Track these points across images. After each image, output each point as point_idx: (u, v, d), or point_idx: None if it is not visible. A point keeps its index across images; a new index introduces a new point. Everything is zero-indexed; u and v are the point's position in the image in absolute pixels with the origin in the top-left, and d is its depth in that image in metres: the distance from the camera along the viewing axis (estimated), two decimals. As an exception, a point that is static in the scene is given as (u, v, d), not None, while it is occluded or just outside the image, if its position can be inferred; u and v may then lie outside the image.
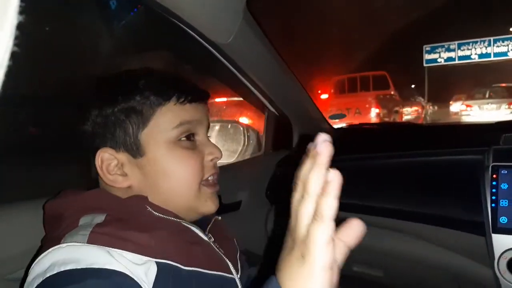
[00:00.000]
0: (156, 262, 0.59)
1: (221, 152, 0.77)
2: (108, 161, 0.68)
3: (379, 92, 10.84)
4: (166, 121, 0.69)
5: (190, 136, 0.72)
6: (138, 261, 0.57)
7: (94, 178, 0.72)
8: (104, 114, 0.68)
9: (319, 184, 0.45)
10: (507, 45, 15.26)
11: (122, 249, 0.57)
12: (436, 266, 1.23)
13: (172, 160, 0.70)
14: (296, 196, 0.49)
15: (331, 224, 0.44)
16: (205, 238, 0.72)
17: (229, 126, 1.56)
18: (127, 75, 0.74)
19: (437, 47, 16.17)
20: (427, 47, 16.27)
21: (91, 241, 0.56)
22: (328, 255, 0.44)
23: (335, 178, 0.46)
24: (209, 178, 0.75)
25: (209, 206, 0.74)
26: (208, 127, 0.79)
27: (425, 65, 16.50)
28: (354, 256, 1.47)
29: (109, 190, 0.70)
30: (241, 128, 1.51)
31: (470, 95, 13.19)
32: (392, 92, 11.34)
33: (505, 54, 15.32)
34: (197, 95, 0.74)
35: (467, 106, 12.53)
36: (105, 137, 0.69)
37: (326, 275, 0.45)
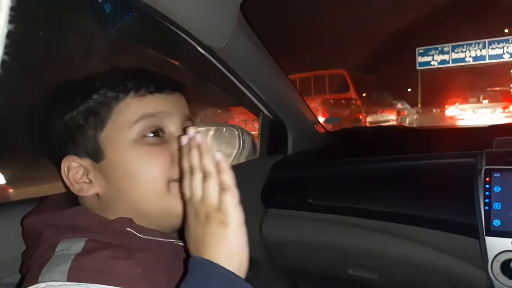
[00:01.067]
0: None
1: None
2: (74, 170, 0.64)
3: (338, 95, 9.28)
4: (125, 118, 0.63)
5: (158, 132, 0.65)
6: None
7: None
8: (64, 121, 0.64)
9: (213, 164, 0.58)
10: (503, 47, 14.82)
11: (106, 284, 0.53)
12: (430, 269, 1.24)
13: (134, 159, 0.63)
14: (196, 179, 0.57)
15: (235, 190, 0.59)
16: None
17: (224, 130, 1.56)
18: (88, 77, 0.68)
19: (430, 50, 15.72)
20: (420, 50, 15.83)
21: (72, 278, 0.52)
22: (241, 213, 0.58)
23: (221, 156, 0.59)
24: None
25: (172, 207, 0.65)
26: (186, 120, 0.70)
27: (418, 68, 16.03)
28: (349, 259, 1.49)
29: (80, 201, 0.66)
30: (236, 132, 1.51)
31: (464, 99, 12.96)
32: (352, 96, 9.85)
33: (500, 56, 14.91)
34: (160, 85, 0.67)
35: (462, 110, 12.38)
36: (67, 145, 0.64)
37: (244, 229, 0.57)
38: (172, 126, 0.67)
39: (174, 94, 0.69)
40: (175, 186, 0.65)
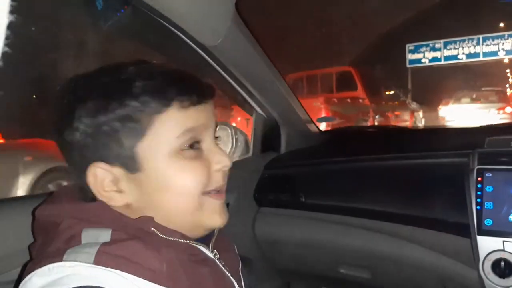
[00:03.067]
0: None
1: (230, 160, 0.68)
2: (102, 177, 0.59)
3: (346, 93, 8.73)
4: (166, 131, 0.60)
5: (194, 144, 0.63)
6: None
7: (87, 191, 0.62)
8: (96, 123, 0.58)
9: None
10: (498, 44, 13.67)
11: (133, 274, 0.52)
12: (422, 268, 1.24)
13: (173, 173, 0.61)
14: None
15: None
16: (211, 255, 0.67)
17: (217, 128, 1.55)
18: (121, 73, 0.61)
19: (421, 46, 14.69)
20: (410, 46, 14.75)
21: (98, 261, 0.51)
22: None
23: None
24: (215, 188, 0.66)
25: (215, 220, 0.66)
26: (215, 130, 0.69)
27: (408, 65, 14.95)
28: (342, 258, 1.49)
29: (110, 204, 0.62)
30: (229, 130, 1.51)
31: (456, 99, 12.15)
32: (360, 95, 9.28)
33: (495, 53, 13.77)
34: (202, 95, 0.63)
35: (453, 111, 11.60)
36: (97, 149, 0.59)
37: None
38: (208, 139, 0.66)
39: (209, 103, 0.66)
40: (207, 200, 0.65)
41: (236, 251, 0.81)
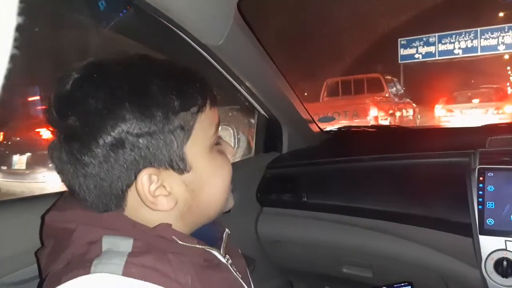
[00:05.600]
0: None
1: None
2: (151, 183, 0.58)
3: (374, 94, 10.51)
4: (205, 129, 0.62)
5: (218, 140, 0.68)
6: None
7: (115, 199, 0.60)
8: (145, 132, 0.56)
9: None
10: (497, 37, 12.43)
11: (163, 286, 0.51)
12: (424, 267, 1.25)
13: (214, 169, 0.65)
14: None
15: None
16: (224, 260, 0.67)
17: (219, 129, 1.56)
18: (154, 76, 0.58)
19: (414, 40, 13.46)
20: (402, 41, 13.54)
21: (128, 273, 0.50)
22: None
23: None
24: None
25: (230, 203, 0.72)
26: None
27: (400, 61, 13.77)
28: (344, 257, 1.49)
29: (138, 212, 0.60)
30: (232, 130, 1.52)
31: (451, 97, 11.22)
32: (386, 95, 10.83)
33: (494, 48, 12.53)
34: (216, 97, 0.67)
35: (448, 111, 10.67)
36: (146, 157, 0.57)
37: None
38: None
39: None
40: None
41: (241, 254, 0.81)
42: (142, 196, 0.58)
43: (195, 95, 0.61)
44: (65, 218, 0.59)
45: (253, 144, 1.61)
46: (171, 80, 0.59)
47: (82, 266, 0.51)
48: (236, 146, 1.50)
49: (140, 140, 0.56)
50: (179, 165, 0.60)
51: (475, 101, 10.52)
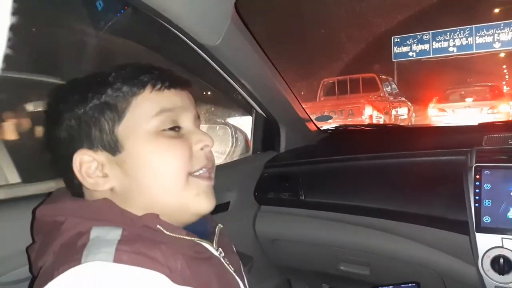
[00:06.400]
0: None
1: (211, 139, 0.70)
2: (88, 164, 0.62)
3: (370, 93, 10.62)
4: (144, 111, 0.64)
5: (174, 128, 0.66)
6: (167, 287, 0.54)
7: (76, 184, 0.65)
8: (77, 115, 0.62)
9: None
10: (492, 35, 12.18)
11: (154, 270, 0.53)
12: (421, 264, 1.25)
13: (154, 151, 0.63)
14: None
15: None
16: (216, 253, 0.68)
17: (217, 128, 1.57)
18: (97, 73, 0.67)
19: (407, 38, 13.28)
20: (396, 39, 13.39)
21: (119, 260, 0.51)
22: None
23: None
24: (201, 170, 0.68)
25: (202, 202, 0.67)
26: (197, 117, 0.72)
27: (393, 60, 13.59)
28: (341, 255, 1.50)
29: (92, 196, 0.64)
30: (229, 130, 1.52)
31: (443, 97, 10.68)
32: (381, 94, 10.94)
33: (489, 45, 12.30)
34: (176, 81, 0.68)
35: (440, 110, 10.20)
36: (81, 139, 0.63)
37: None
38: (188, 121, 0.68)
39: (186, 91, 0.70)
40: (193, 180, 0.66)
41: (235, 251, 0.81)
42: (79, 177, 0.62)
43: (130, 79, 0.64)
44: (55, 211, 0.62)
45: (250, 143, 1.62)
46: (109, 74, 0.65)
47: (72, 257, 0.52)
48: (233, 145, 1.50)
49: (73, 129, 0.63)
50: (111, 146, 0.63)
51: (469, 100, 10.06)
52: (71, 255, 0.52)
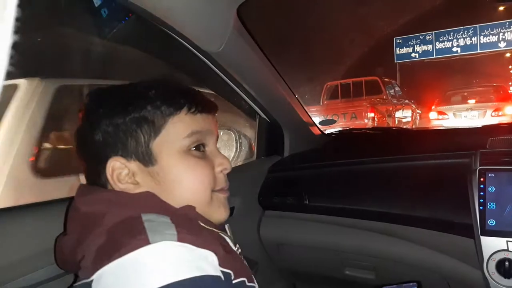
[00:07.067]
0: (222, 271, 0.59)
1: (230, 163, 0.78)
2: (119, 170, 0.67)
3: (373, 96, 10.64)
4: (177, 131, 0.69)
5: (200, 147, 0.73)
6: (217, 268, 0.58)
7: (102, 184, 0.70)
8: (115, 124, 0.67)
9: None
10: (497, 34, 11.79)
11: (209, 250, 0.58)
12: (426, 268, 1.25)
13: (183, 168, 0.70)
14: None
15: None
16: (235, 248, 0.75)
17: (221, 133, 1.57)
18: (137, 85, 0.73)
19: (410, 39, 12.97)
20: (398, 40, 13.12)
21: (182, 239, 0.56)
22: None
23: None
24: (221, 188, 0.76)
25: (221, 212, 0.75)
26: (217, 139, 0.79)
27: (396, 61, 13.33)
28: (346, 260, 1.49)
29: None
30: (234, 135, 1.52)
31: (444, 98, 10.09)
32: (384, 97, 10.93)
33: (494, 45, 11.92)
34: (207, 106, 0.74)
35: (439, 113, 9.62)
36: (116, 146, 0.68)
37: None
38: (212, 144, 0.76)
39: (213, 115, 0.77)
40: (215, 195, 0.74)
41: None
42: (110, 181, 0.67)
43: (169, 100, 0.69)
44: (96, 199, 0.65)
45: (254, 148, 1.62)
46: (154, 88, 0.70)
47: (135, 238, 0.55)
48: (238, 150, 1.51)
49: (110, 135, 0.67)
50: (145, 158, 0.68)
51: (471, 101, 9.48)
52: (134, 235, 0.55)
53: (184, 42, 1.02)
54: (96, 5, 1.08)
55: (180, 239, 0.56)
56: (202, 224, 0.68)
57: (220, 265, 0.59)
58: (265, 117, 1.53)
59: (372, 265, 1.39)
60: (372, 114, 9.92)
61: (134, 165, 0.68)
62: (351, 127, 8.24)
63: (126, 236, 0.56)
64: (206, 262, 0.56)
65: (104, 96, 0.72)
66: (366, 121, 9.76)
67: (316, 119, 1.74)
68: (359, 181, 1.38)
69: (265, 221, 1.50)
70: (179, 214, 0.66)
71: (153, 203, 0.66)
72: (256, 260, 1.31)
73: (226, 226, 0.81)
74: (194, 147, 0.72)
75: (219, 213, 0.75)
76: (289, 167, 1.55)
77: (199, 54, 1.09)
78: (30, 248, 0.71)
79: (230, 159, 1.53)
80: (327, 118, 8.15)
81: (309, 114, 1.66)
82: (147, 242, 0.54)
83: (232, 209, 1.34)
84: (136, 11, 0.91)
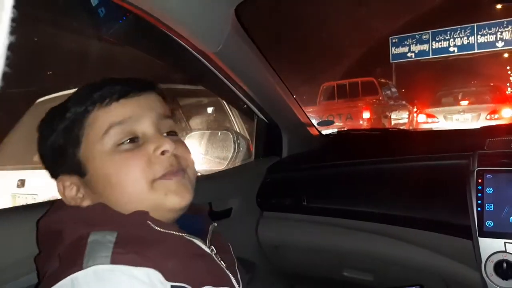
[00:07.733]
0: (173, 286, 0.57)
1: (170, 143, 0.67)
2: (68, 188, 0.67)
3: (369, 97, 10.64)
4: (95, 131, 0.65)
5: (133, 138, 0.66)
6: (160, 284, 0.56)
7: None
8: (50, 143, 0.67)
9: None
10: (495, 33, 11.47)
11: (147, 267, 0.56)
12: (424, 270, 1.25)
13: (112, 169, 0.64)
14: None
15: None
16: (208, 250, 0.69)
17: (219, 134, 1.57)
18: (63, 100, 0.70)
19: (406, 38, 12.60)
20: (394, 39, 12.74)
21: (115, 261, 0.55)
22: None
23: None
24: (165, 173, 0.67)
25: (172, 199, 0.66)
26: (163, 117, 0.70)
27: (391, 61, 13.04)
28: (345, 261, 1.49)
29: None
30: (231, 135, 1.52)
31: (435, 99, 9.48)
32: (380, 98, 10.85)
33: (492, 45, 11.61)
34: (124, 90, 0.66)
35: (428, 116, 8.99)
36: (56, 165, 0.68)
37: None
38: (146, 128, 0.67)
39: (142, 96, 0.68)
40: (158, 184, 0.66)
41: (232, 251, 0.82)
42: (64, 200, 0.67)
43: (81, 101, 0.66)
44: (55, 219, 0.65)
45: (252, 149, 1.62)
46: (72, 95, 0.68)
47: (73, 263, 0.55)
48: (235, 150, 1.50)
49: (50, 156, 0.68)
50: (77, 169, 0.66)
51: (464, 103, 8.75)
52: (73, 260, 0.55)
53: (182, 42, 1.02)
54: (94, 4, 1.07)
55: (113, 261, 0.54)
56: (158, 229, 0.63)
57: (169, 279, 0.57)
58: (263, 117, 1.53)
59: (370, 266, 1.39)
60: (367, 115, 9.93)
61: (76, 179, 0.67)
62: (346, 128, 8.29)
63: (69, 260, 0.56)
64: (140, 283, 0.54)
65: (46, 115, 0.70)
66: (361, 122, 9.80)
67: (312, 120, 1.73)
68: (357, 182, 1.38)
69: (263, 223, 1.49)
70: (129, 225, 0.62)
71: (103, 215, 0.63)
72: (254, 262, 1.31)
73: (212, 226, 0.76)
74: (127, 140, 0.65)
75: (169, 201, 0.66)
76: (287, 168, 1.55)
77: (197, 54, 1.08)
78: (30, 248, 0.70)
79: (228, 160, 1.52)
80: (323, 119, 8.15)
81: (307, 115, 1.65)
82: (80, 268, 0.54)
83: (229, 210, 1.33)
84: (134, 11, 0.90)
